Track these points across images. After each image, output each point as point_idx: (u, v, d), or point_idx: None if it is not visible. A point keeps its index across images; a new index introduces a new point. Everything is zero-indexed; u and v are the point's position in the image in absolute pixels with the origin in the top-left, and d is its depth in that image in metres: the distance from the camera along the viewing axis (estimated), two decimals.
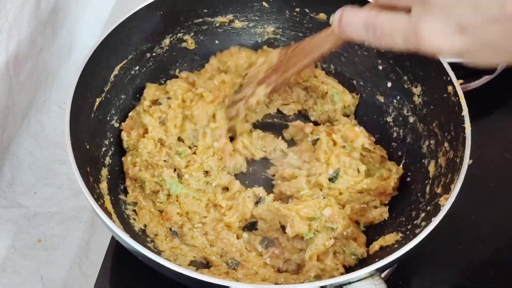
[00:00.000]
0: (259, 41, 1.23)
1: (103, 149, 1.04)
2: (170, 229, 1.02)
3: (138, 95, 1.14)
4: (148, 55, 1.14)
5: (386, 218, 1.02)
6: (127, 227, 0.96)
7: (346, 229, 0.97)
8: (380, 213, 1.02)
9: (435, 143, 1.01)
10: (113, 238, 1.07)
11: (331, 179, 1.04)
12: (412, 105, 1.09)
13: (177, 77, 1.18)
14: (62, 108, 1.31)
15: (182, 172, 1.05)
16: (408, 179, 1.05)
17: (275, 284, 0.93)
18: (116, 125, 1.09)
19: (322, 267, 0.93)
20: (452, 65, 1.00)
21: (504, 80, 1.34)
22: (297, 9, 1.18)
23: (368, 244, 0.99)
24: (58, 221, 1.15)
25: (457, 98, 0.95)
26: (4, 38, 1.07)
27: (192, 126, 1.09)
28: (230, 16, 1.18)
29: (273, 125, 1.21)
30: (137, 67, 1.12)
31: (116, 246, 1.05)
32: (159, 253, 0.97)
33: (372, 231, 1.02)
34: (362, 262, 0.96)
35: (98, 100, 1.02)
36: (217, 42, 1.22)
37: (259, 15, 1.19)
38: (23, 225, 1.14)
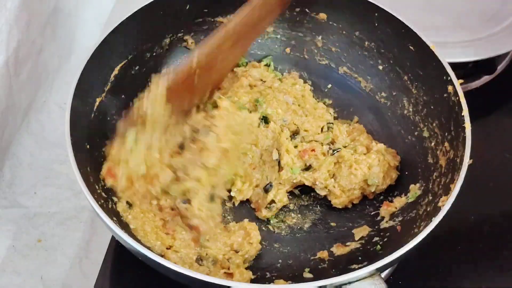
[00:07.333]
0: (259, 41, 1.23)
1: (103, 149, 1.04)
2: None
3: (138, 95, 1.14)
4: (148, 55, 1.14)
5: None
6: (127, 227, 0.96)
7: None
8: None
9: (435, 143, 1.01)
10: (113, 238, 1.07)
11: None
12: (412, 105, 1.09)
13: None
14: (62, 108, 1.31)
15: None
16: (408, 178, 1.06)
17: None
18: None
19: None
20: (452, 65, 1.00)
21: (504, 80, 1.35)
22: (297, 9, 1.17)
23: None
24: (58, 221, 1.15)
25: (457, 98, 0.95)
26: (4, 38, 1.07)
27: None
28: (230, 16, 1.18)
29: None
30: (137, 67, 1.12)
31: (116, 246, 1.05)
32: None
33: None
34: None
35: (98, 100, 1.02)
36: None
37: None
38: (23, 225, 1.14)
